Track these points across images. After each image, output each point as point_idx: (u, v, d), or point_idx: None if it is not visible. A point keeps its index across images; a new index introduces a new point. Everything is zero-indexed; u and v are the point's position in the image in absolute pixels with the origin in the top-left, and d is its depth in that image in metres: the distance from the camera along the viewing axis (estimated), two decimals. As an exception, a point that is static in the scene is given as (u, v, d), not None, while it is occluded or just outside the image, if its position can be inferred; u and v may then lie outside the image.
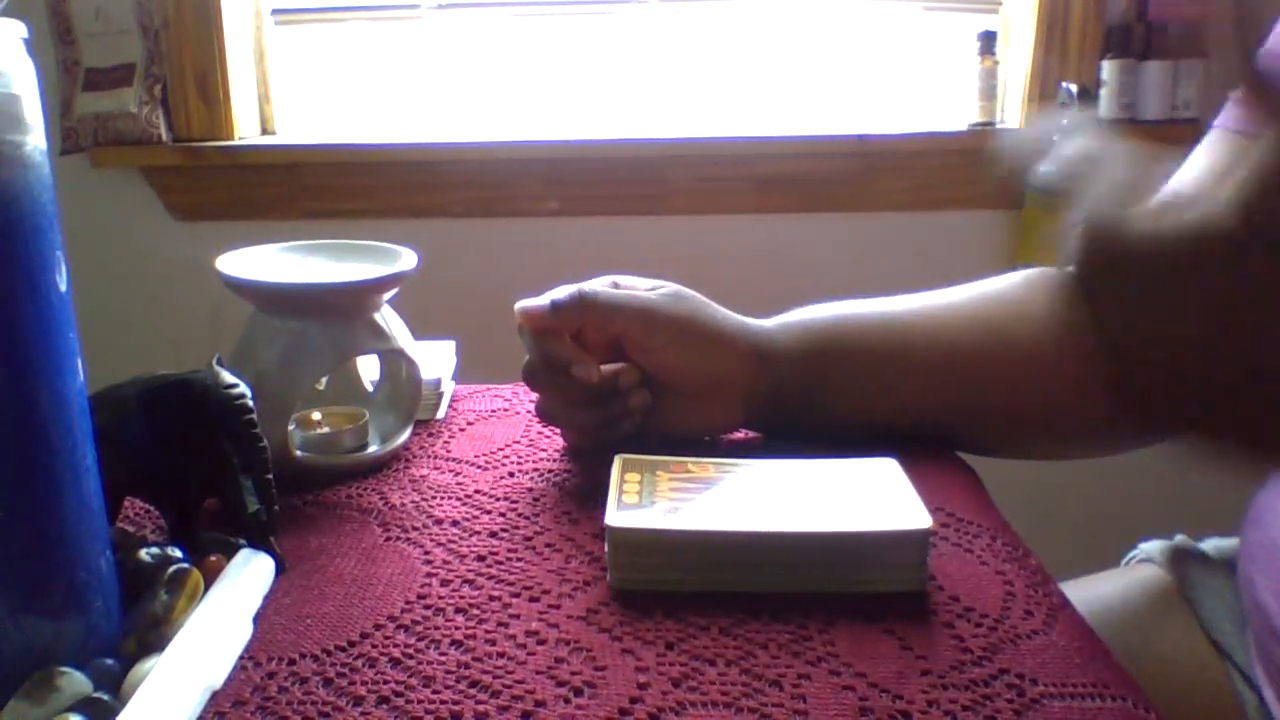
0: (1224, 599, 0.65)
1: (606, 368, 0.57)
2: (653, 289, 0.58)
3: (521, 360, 0.58)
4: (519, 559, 0.49)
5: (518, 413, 0.67)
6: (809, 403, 0.59)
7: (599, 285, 0.58)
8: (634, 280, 0.59)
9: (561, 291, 0.56)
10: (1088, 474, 0.99)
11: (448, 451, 0.61)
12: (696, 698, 0.39)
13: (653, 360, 0.57)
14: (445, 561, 0.49)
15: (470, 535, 0.51)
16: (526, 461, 0.60)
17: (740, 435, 0.63)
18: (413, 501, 0.55)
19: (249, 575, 0.44)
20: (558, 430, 0.64)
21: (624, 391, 0.57)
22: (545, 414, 0.60)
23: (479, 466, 0.59)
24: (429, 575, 0.47)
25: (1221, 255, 0.38)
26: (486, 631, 0.43)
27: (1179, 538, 0.72)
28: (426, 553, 0.49)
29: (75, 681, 0.36)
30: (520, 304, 0.57)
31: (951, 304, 0.63)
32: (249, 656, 0.41)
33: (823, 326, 0.60)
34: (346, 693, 0.39)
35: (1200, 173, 0.62)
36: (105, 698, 0.36)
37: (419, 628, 0.43)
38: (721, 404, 0.59)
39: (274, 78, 1.67)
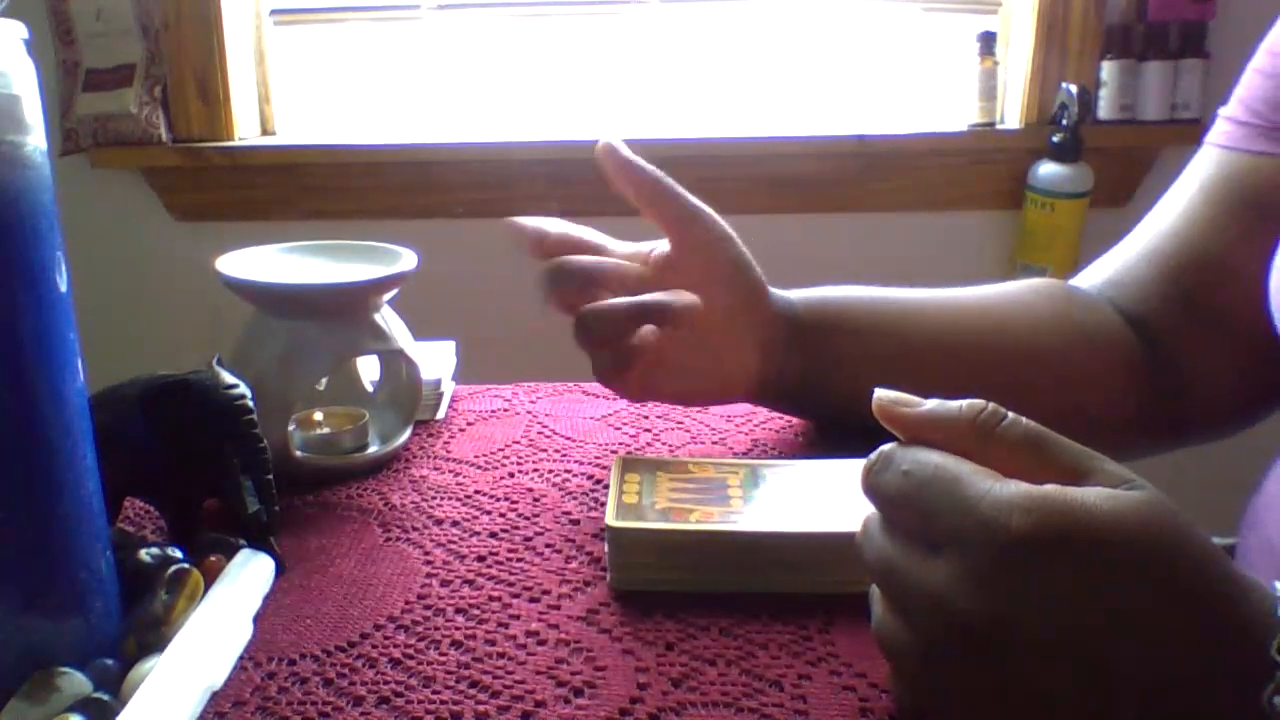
0: None
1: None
2: None
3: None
4: (519, 559, 0.49)
5: (518, 413, 0.67)
6: (816, 377, 0.58)
7: None
8: None
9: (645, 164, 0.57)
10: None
11: (448, 451, 0.61)
12: (696, 698, 0.39)
13: (691, 263, 0.56)
14: (445, 562, 0.49)
15: (470, 535, 0.51)
16: (526, 461, 0.60)
17: (742, 436, 0.63)
18: (413, 501, 0.55)
19: (249, 575, 0.44)
20: (565, 434, 0.64)
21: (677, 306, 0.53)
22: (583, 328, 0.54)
23: (479, 466, 0.59)
24: (429, 575, 0.47)
25: None
26: (486, 632, 0.43)
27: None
28: (426, 553, 0.49)
29: (75, 681, 0.36)
30: (607, 140, 0.56)
31: (963, 298, 0.63)
32: (249, 656, 0.41)
33: (835, 304, 0.60)
34: (346, 693, 0.39)
35: (1193, 192, 0.62)
36: (105, 698, 0.36)
37: (419, 628, 0.43)
38: (740, 354, 0.57)
39: (274, 78, 1.67)
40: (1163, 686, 0.30)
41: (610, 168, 0.57)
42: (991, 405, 0.35)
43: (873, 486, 0.36)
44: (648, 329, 0.55)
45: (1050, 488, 0.32)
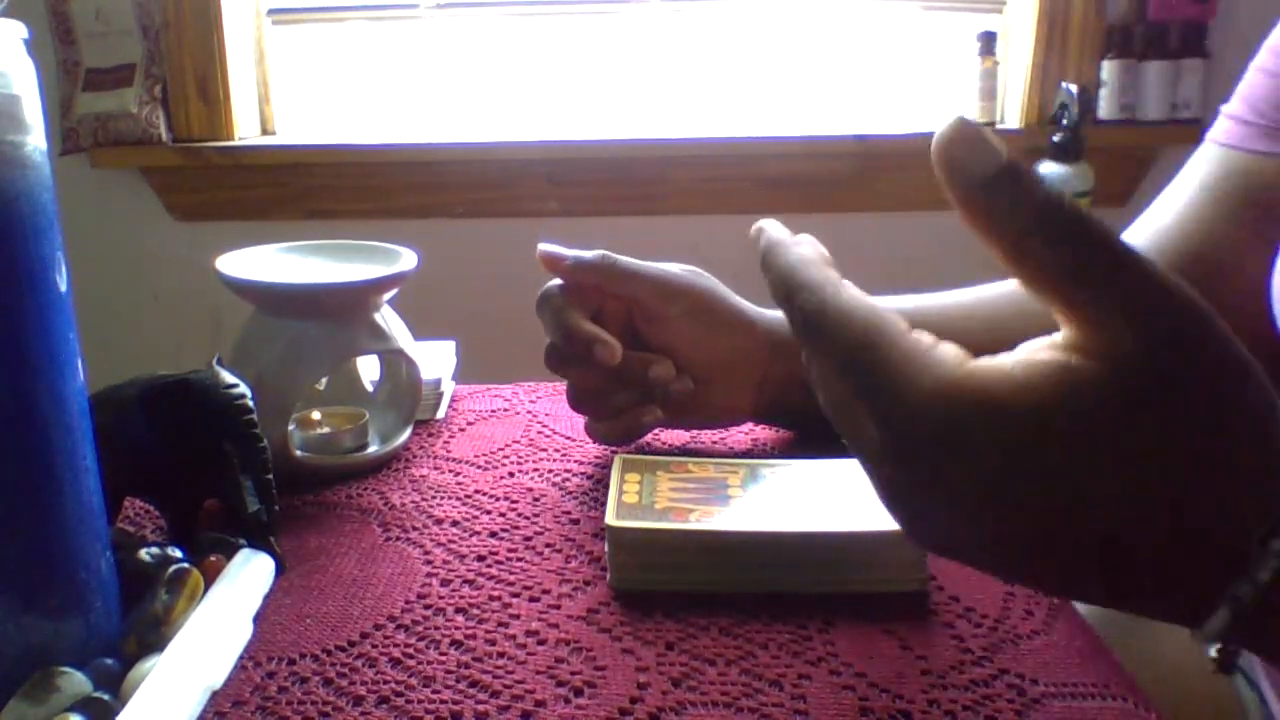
0: None
1: (633, 354, 0.56)
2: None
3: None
4: (519, 559, 0.49)
5: (518, 413, 0.67)
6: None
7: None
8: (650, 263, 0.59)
9: (583, 253, 0.56)
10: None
11: (448, 451, 0.61)
12: (696, 698, 0.39)
13: (666, 333, 0.56)
14: (445, 561, 0.49)
15: (470, 535, 0.51)
16: (526, 461, 0.60)
17: (742, 436, 0.63)
18: (413, 501, 0.55)
19: (249, 575, 0.44)
20: (565, 434, 0.63)
21: (653, 377, 0.55)
22: (574, 398, 0.59)
23: (479, 466, 0.59)
24: (429, 575, 0.47)
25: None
26: (486, 631, 0.43)
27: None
28: (426, 553, 0.49)
29: (75, 681, 0.36)
30: (543, 246, 0.56)
31: (961, 303, 0.63)
32: (249, 656, 0.41)
33: None
34: (346, 693, 0.39)
35: (1194, 189, 0.62)
36: (105, 698, 0.36)
37: (419, 628, 0.43)
38: (734, 389, 0.58)
39: (274, 78, 1.67)
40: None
41: (560, 271, 0.56)
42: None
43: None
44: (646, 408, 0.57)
45: (966, 371, 0.29)
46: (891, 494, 0.32)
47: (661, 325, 0.56)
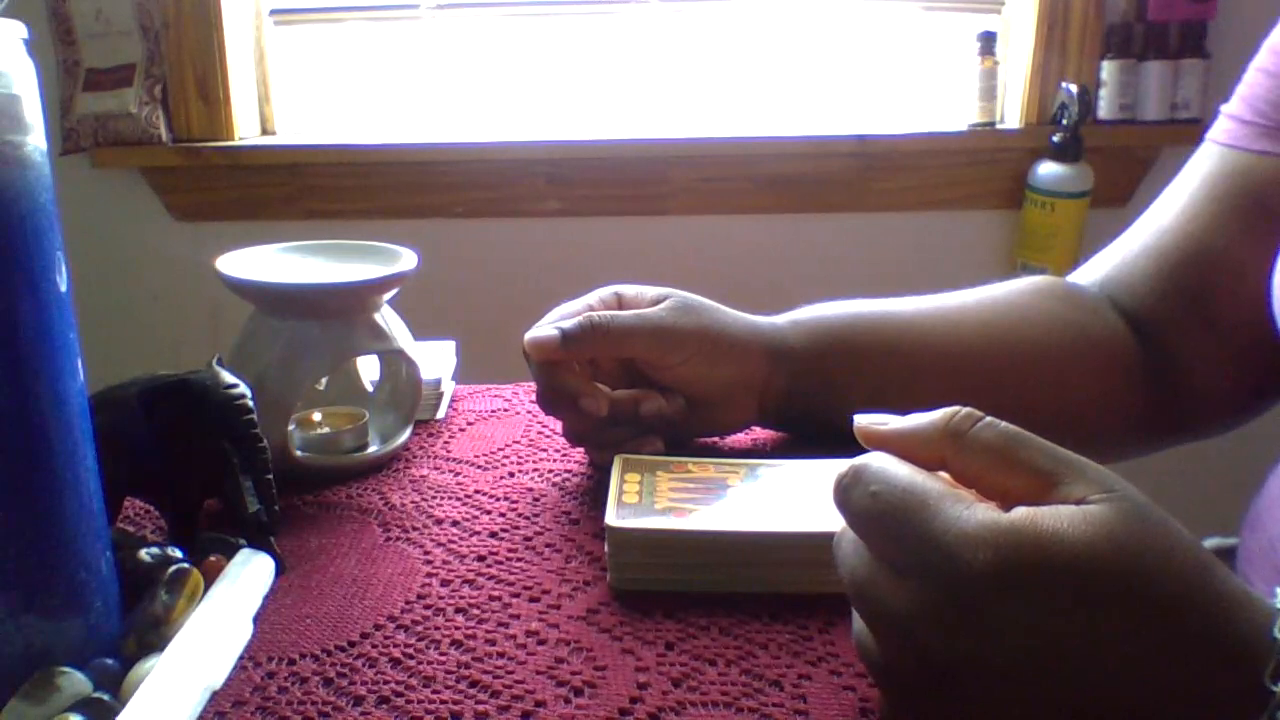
0: None
1: (622, 393, 0.56)
2: (658, 300, 0.57)
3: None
4: (519, 559, 0.49)
5: (518, 413, 0.67)
6: (821, 399, 0.58)
7: (605, 294, 0.58)
8: (638, 289, 0.58)
9: (570, 319, 0.55)
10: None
11: (448, 451, 0.61)
12: (696, 698, 0.39)
13: (669, 376, 0.56)
14: (445, 561, 0.49)
15: (470, 535, 0.51)
16: (526, 461, 0.60)
17: (742, 436, 0.63)
18: (413, 501, 0.55)
19: (249, 575, 0.44)
20: (564, 438, 0.64)
21: (644, 414, 0.56)
22: (571, 437, 0.59)
23: (479, 466, 0.59)
24: (429, 575, 0.47)
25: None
26: (486, 631, 0.43)
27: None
28: (426, 553, 0.49)
29: (75, 681, 0.36)
30: (529, 336, 0.55)
31: (963, 306, 0.63)
32: (249, 656, 0.41)
33: (835, 324, 0.60)
34: (346, 693, 0.39)
35: (1194, 189, 0.62)
36: (105, 698, 0.36)
37: (419, 628, 0.43)
38: (738, 405, 0.58)
39: (274, 78, 1.67)
40: (1147, 710, 0.30)
41: (555, 355, 0.55)
42: (965, 410, 0.35)
43: (843, 503, 0.35)
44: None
45: (1019, 516, 0.31)
46: (919, 667, 0.32)
47: (664, 372, 0.56)
